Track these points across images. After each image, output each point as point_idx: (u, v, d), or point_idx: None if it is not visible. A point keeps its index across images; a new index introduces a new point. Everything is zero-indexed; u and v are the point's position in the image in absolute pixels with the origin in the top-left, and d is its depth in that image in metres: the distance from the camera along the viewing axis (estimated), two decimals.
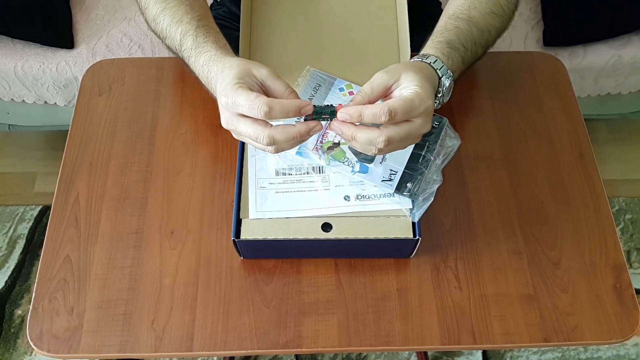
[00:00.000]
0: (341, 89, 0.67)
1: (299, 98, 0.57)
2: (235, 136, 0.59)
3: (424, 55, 0.63)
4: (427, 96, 0.55)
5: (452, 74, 0.63)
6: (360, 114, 0.53)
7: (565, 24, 1.23)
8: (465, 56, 0.66)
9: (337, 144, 0.64)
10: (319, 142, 0.65)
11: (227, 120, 0.57)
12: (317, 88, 0.66)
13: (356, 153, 0.64)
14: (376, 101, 0.57)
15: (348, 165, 0.64)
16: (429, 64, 0.62)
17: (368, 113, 0.53)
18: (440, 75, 0.62)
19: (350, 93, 0.67)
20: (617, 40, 1.24)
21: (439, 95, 0.63)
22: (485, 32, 0.69)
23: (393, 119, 0.53)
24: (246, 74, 0.57)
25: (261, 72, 0.57)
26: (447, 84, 0.62)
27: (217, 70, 0.62)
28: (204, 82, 0.66)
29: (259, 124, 0.55)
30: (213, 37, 0.67)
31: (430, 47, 0.65)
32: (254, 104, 0.53)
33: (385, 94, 0.58)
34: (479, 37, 0.68)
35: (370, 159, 0.64)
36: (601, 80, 1.29)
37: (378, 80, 0.57)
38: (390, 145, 0.55)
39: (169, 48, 0.72)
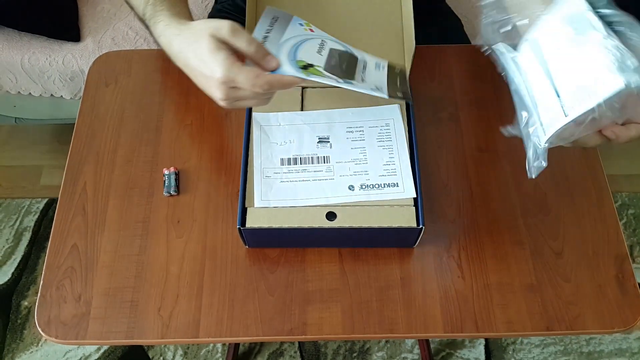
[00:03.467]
0: (301, 24, 0.65)
1: (266, 52, 0.58)
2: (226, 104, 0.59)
3: None
4: None
5: None
6: None
7: None
8: None
9: (311, 65, 0.61)
10: (291, 59, 0.60)
11: (225, 94, 0.57)
12: (272, 23, 0.63)
13: (334, 72, 0.61)
14: None
15: (331, 80, 0.61)
16: None
17: None
18: None
19: (311, 30, 0.65)
20: None
21: None
22: None
23: None
24: (216, 39, 0.56)
25: (222, 33, 0.56)
26: None
27: (170, 35, 0.61)
28: (165, 51, 0.64)
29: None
30: (167, 3, 0.65)
31: None
32: (256, 83, 0.55)
33: None
34: None
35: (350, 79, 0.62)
36: None
37: None
38: None
39: (139, 20, 0.70)
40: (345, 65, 0.63)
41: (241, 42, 0.56)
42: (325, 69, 0.60)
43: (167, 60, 0.82)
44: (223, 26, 0.56)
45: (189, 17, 0.66)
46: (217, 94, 0.58)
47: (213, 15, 1.06)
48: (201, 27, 0.58)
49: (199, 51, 0.57)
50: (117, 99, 0.79)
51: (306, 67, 0.59)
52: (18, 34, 1.22)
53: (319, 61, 0.61)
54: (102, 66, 0.82)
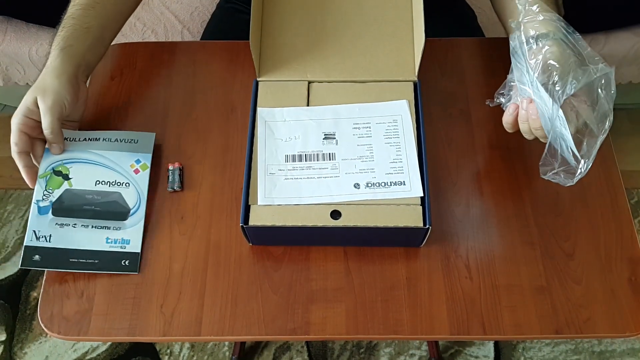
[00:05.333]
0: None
1: (57, 141, 0.67)
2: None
3: None
4: None
5: None
6: None
7: (587, 10, 1.19)
8: None
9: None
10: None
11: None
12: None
13: None
14: None
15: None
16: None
17: None
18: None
19: (136, 171, 0.69)
20: None
21: None
22: None
23: None
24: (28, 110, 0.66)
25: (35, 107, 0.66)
26: None
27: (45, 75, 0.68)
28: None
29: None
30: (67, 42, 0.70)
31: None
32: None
33: None
34: None
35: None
36: (623, 69, 1.26)
37: None
38: None
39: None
40: None
41: (43, 122, 0.65)
42: None
43: (173, 54, 0.82)
44: (42, 103, 0.65)
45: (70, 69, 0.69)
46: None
47: (221, 5, 1.05)
48: (38, 85, 0.67)
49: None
50: (122, 93, 0.78)
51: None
52: (26, 25, 1.21)
53: None
54: (107, 59, 0.81)
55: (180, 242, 0.67)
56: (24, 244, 0.63)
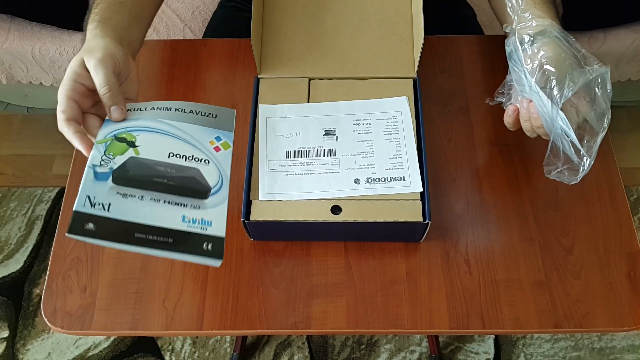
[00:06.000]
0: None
1: (117, 101, 0.56)
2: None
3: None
4: None
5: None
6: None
7: (585, 8, 1.20)
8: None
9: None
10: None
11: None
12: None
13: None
14: None
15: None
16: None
17: None
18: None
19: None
20: (639, 25, 1.21)
21: None
22: None
23: None
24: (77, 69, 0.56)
25: (88, 64, 0.56)
26: None
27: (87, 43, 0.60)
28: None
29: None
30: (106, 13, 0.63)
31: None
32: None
33: None
34: None
35: None
36: (622, 66, 1.26)
37: None
38: None
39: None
40: None
41: (96, 79, 0.56)
42: None
43: (175, 52, 0.82)
44: (90, 59, 0.56)
45: (114, 34, 0.62)
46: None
47: (223, 4, 1.06)
48: (84, 49, 0.58)
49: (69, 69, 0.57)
50: None
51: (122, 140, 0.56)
52: (29, 24, 1.22)
53: None
54: None
55: None
56: (74, 209, 0.50)
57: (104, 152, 0.54)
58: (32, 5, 1.19)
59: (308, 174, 0.64)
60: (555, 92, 0.58)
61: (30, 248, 1.38)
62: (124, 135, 0.56)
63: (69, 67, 0.56)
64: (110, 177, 0.53)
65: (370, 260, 0.65)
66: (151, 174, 0.54)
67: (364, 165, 0.65)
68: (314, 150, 0.66)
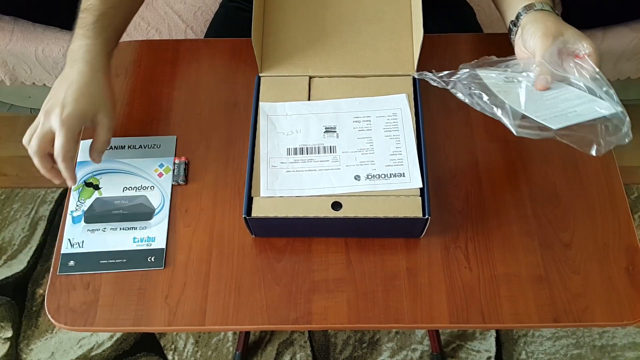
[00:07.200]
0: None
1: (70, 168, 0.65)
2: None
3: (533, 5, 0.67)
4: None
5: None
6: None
7: (584, 6, 1.20)
8: None
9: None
10: None
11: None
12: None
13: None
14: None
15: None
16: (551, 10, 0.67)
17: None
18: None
19: None
20: (638, 23, 1.21)
21: None
22: None
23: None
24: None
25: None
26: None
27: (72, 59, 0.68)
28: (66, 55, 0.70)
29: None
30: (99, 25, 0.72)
31: None
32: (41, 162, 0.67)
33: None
34: None
35: None
36: (621, 64, 1.26)
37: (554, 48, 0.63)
38: None
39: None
40: None
41: (56, 141, 0.65)
42: None
43: (177, 51, 0.83)
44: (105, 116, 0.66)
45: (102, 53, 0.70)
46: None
47: (224, 4, 1.06)
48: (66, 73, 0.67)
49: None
50: (127, 90, 0.79)
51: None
52: (32, 25, 1.23)
53: None
54: (112, 57, 0.82)
55: (184, 234, 0.68)
56: (61, 252, 0.67)
57: (78, 198, 0.70)
58: (36, 7, 1.20)
59: (309, 170, 0.65)
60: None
61: (33, 248, 1.39)
62: (91, 180, 0.71)
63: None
64: (83, 218, 0.68)
65: (370, 256, 0.66)
66: (110, 209, 0.69)
67: (364, 161, 0.65)
68: (315, 147, 0.67)
